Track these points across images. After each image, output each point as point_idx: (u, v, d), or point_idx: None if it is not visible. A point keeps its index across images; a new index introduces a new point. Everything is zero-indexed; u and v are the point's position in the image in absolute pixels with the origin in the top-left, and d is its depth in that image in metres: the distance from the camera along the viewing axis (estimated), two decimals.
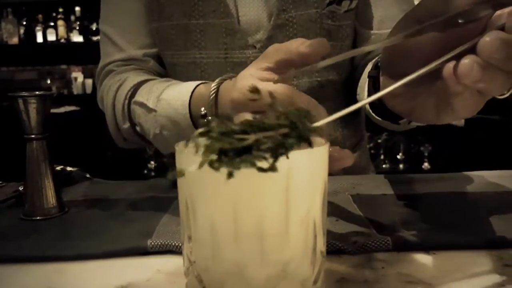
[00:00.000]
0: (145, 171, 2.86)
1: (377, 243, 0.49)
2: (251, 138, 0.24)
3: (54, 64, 3.59)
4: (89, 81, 3.54)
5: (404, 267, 0.46)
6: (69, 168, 0.80)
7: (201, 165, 0.23)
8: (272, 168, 0.24)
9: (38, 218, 0.62)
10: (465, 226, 0.55)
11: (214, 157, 0.23)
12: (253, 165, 0.23)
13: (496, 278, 0.43)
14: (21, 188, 0.69)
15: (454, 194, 0.70)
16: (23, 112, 0.61)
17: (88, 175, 0.81)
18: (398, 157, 3.03)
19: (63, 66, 3.63)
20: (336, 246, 0.49)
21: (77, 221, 0.61)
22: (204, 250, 0.32)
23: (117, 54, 0.83)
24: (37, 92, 0.62)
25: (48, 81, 3.54)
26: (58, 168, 0.78)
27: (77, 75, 3.60)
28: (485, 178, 0.78)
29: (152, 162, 2.85)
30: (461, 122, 2.68)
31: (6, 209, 0.66)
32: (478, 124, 2.64)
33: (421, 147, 2.98)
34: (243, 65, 0.67)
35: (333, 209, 0.63)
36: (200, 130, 0.24)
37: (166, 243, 0.50)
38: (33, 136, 0.62)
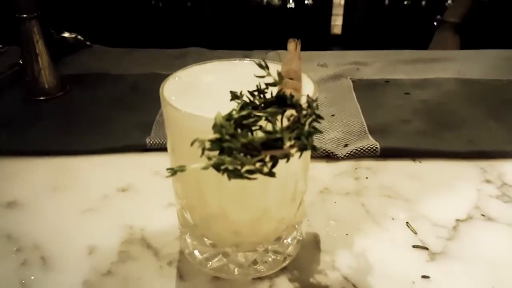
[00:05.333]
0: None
1: (366, 151, 0.51)
2: (261, 156, 0.24)
3: None
4: None
5: (387, 178, 0.48)
6: (68, 35, 0.78)
7: (205, 168, 0.24)
8: (270, 174, 0.25)
9: (41, 98, 0.63)
10: (457, 131, 0.55)
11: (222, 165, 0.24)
12: (260, 172, 0.25)
13: (473, 196, 0.46)
14: (21, 62, 0.68)
15: (456, 81, 0.69)
16: None
17: (88, 43, 0.80)
18: None
19: None
20: (325, 153, 0.51)
21: (78, 107, 0.62)
22: (190, 190, 0.34)
23: None
24: None
25: None
26: (66, 35, 0.77)
27: None
28: (494, 61, 0.76)
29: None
30: None
31: (7, 86, 0.67)
32: None
33: None
34: None
35: (331, 100, 0.63)
36: (212, 137, 0.25)
37: (164, 142, 0.52)
38: (25, 16, 0.60)
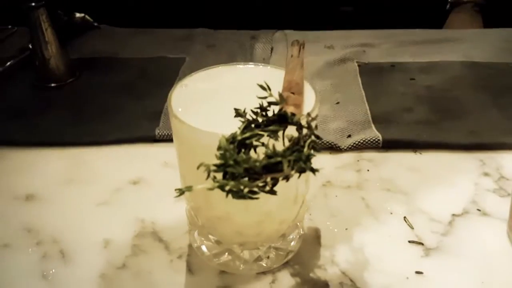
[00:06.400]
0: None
1: (368, 142, 0.52)
2: (262, 179, 0.26)
3: None
4: None
5: (388, 170, 0.50)
6: (76, 15, 0.78)
7: (211, 189, 0.26)
8: (272, 192, 0.27)
9: (51, 85, 0.65)
10: (459, 120, 0.56)
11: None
12: (261, 191, 0.27)
13: (470, 190, 0.47)
14: (30, 46, 0.69)
15: (461, 65, 0.69)
16: None
17: (96, 24, 0.80)
18: None
19: None
20: (328, 144, 0.53)
21: (88, 94, 0.63)
22: (197, 195, 0.36)
23: None
24: None
25: None
26: (77, 16, 0.77)
27: None
28: (501, 42, 0.75)
29: None
30: None
31: (18, 71, 0.68)
32: None
33: None
34: None
35: (337, 86, 0.64)
36: (217, 162, 0.26)
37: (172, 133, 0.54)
38: (33, 4, 0.60)
